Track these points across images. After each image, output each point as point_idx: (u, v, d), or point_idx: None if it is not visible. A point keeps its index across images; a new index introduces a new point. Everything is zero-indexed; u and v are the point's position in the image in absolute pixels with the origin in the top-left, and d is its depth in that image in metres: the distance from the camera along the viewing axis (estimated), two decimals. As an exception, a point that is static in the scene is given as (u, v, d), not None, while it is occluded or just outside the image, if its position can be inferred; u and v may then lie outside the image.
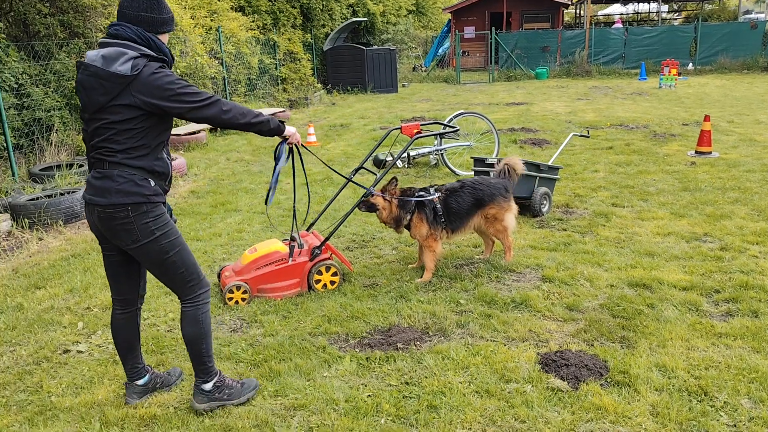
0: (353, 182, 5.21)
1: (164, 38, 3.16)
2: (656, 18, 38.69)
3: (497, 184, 5.41)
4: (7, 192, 7.47)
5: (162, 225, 3.16)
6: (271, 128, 3.39)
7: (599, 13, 46.60)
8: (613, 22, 38.89)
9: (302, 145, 3.85)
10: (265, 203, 4.00)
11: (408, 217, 5.14)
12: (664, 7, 39.82)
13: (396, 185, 5.18)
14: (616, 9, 45.79)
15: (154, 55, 3.04)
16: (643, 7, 44.45)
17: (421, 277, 5.18)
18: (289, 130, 3.59)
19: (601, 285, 4.92)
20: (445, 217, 5.16)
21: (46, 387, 3.75)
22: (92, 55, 3.01)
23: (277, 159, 3.74)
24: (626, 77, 24.06)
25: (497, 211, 5.31)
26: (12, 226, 6.93)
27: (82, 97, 3.05)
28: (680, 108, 14.99)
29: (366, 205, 5.18)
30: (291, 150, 3.80)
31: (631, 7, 45.04)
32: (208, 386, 3.41)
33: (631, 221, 6.53)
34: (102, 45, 3.04)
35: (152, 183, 3.13)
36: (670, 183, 7.99)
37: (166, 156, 3.22)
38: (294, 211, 4.88)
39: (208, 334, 3.36)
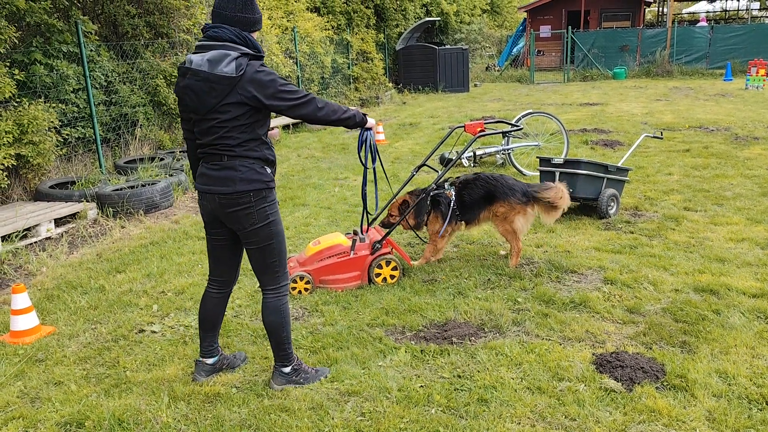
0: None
1: (254, 36, 3.40)
2: (746, 16, 36.78)
3: (515, 184, 5.36)
4: (94, 182, 7.99)
5: (275, 211, 3.50)
6: (356, 122, 3.67)
7: (684, 11, 44.68)
8: (698, 21, 37.22)
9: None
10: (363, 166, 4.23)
11: (425, 218, 5.48)
12: (755, 4, 37.74)
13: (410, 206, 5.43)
14: (702, 7, 43.71)
15: (252, 53, 3.26)
16: (731, 5, 42.27)
17: (417, 261, 5.56)
18: (371, 121, 3.86)
19: (665, 289, 4.81)
20: (459, 209, 5.37)
21: (122, 362, 4.05)
22: (198, 60, 3.22)
23: (361, 143, 4.05)
24: (710, 78, 23.02)
25: (506, 211, 5.29)
26: (98, 214, 7.43)
27: (190, 101, 3.28)
28: (767, 110, 14.25)
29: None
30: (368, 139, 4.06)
31: (718, 5, 42.94)
32: (287, 369, 3.66)
33: (703, 226, 6.32)
34: (202, 48, 3.26)
35: (268, 170, 3.43)
36: (748, 188, 7.66)
37: (270, 144, 3.50)
38: (365, 205, 4.97)
39: (288, 322, 3.62)
